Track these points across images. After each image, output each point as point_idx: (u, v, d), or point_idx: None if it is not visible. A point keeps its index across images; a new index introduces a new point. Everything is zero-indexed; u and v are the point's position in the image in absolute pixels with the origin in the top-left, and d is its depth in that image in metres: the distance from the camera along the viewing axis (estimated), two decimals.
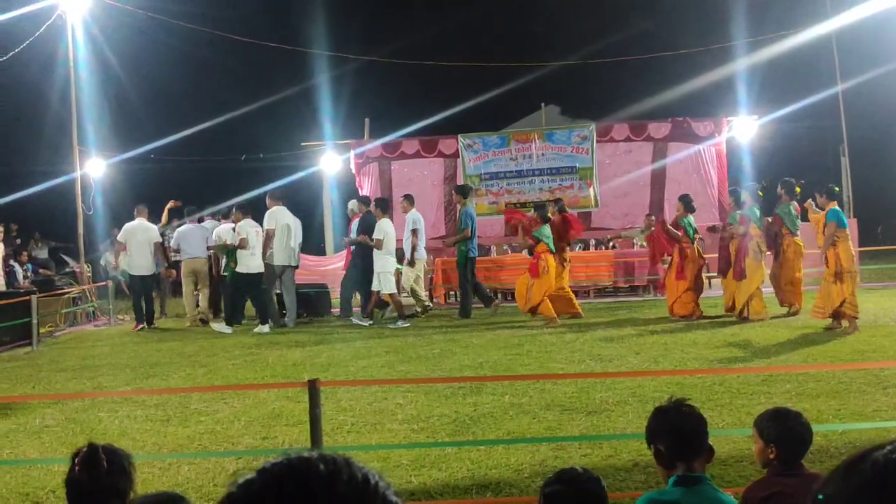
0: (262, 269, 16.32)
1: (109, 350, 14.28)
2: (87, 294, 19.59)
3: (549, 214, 15.78)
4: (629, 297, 19.40)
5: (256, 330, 15.79)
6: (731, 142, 23.34)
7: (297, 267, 17.20)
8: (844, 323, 12.76)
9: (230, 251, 16.40)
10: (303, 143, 25.26)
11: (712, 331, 13.13)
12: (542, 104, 25.17)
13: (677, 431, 3.53)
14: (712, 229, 16.46)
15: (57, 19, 20.30)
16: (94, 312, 19.42)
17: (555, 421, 7.75)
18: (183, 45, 30.17)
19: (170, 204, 20.08)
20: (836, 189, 13.39)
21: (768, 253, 14.94)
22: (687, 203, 15.65)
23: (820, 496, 1.12)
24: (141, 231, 17.74)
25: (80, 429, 8.28)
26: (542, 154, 22.30)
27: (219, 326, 16.23)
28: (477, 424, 7.78)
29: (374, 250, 16.06)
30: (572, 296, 16.18)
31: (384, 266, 16.03)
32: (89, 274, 20.74)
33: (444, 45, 33.31)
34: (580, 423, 7.63)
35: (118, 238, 18.15)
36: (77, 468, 3.28)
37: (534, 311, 15.28)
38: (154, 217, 18.77)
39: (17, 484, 6.59)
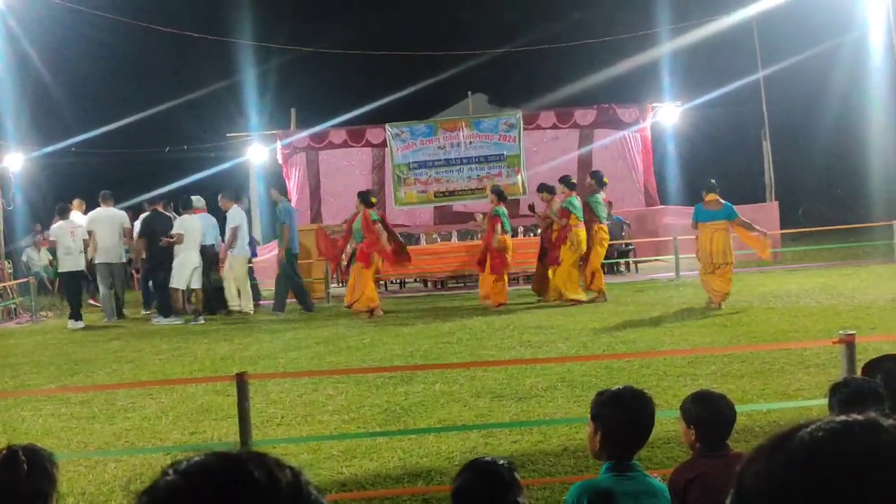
0: (77, 268, 16.75)
1: (32, 347, 13.98)
2: (9, 291, 19.16)
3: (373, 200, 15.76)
4: None
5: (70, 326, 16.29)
6: (656, 127, 23.65)
7: (115, 263, 17.26)
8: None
9: (52, 250, 17.08)
10: (228, 134, 25.05)
11: (639, 316, 13.28)
12: (469, 93, 25.24)
13: (632, 423, 3.55)
14: (531, 208, 16.63)
15: None
16: (15, 310, 18.99)
17: (485, 408, 7.78)
18: (105, 37, 29.60)
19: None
20: (712, 181, 14.12)
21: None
22: (499, 193, 15.76)
23: None
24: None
25: (1, 429, 8.09)
26: (470, 142, 22.37)
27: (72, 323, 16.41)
28: (408, 413, 7.78)
29: (182, 246, 16.13)
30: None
31: (182, 261, 16.12)
32: (10, 270, 20.28)
33: (371, 35, 33.16)
34: (510, 410, 7.67)
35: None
36: None
37: (350, 306, 15.31)
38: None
39: None
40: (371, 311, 15.01)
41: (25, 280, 19.38)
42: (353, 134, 22.99)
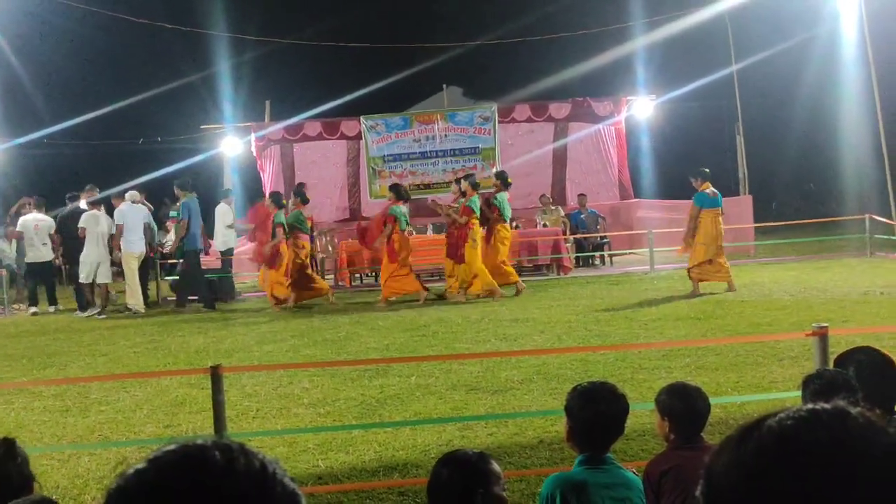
0: (39, 259, 17.62)
1: (4, 340, 13.87)
2: None
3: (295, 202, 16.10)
4: (533, 276, 19.53)
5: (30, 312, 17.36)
6: (631, 121, 23.71)
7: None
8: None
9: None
10: (202, 126, 24.88)
11: (614, 309, 13.32)
12: (445, 85, 25.20)
13: (603, 418, 3.57)
14: (434, 205, 16.76)
15: None
16: None
17: (461, 401, 7.79)
18: (77, 27, 29.42)
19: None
20: (706, 170, 14.62)
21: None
22: (397, 192, 15.75)
23: None
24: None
25: None
26: (445, 135, 22.37)
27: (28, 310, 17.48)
28: (383, 406, 7.78)
29: (86, 241, 16.47)
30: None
31: (85, 256, 16.47)
32: None
33: (346, 27, 33.03)
34: (486, 403, 7.69)
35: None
36: None
37: (278, 301, 15.77)
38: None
39: None
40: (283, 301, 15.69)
41: None
42: (328, 126, 22.92)
